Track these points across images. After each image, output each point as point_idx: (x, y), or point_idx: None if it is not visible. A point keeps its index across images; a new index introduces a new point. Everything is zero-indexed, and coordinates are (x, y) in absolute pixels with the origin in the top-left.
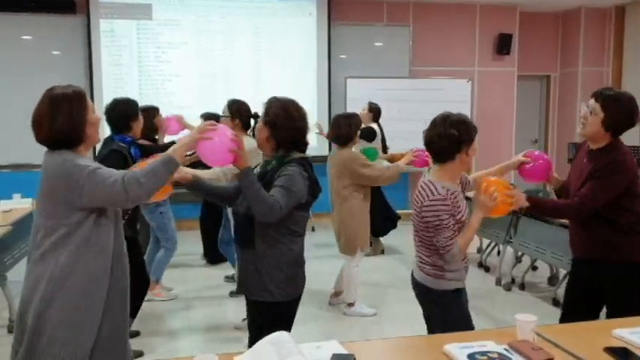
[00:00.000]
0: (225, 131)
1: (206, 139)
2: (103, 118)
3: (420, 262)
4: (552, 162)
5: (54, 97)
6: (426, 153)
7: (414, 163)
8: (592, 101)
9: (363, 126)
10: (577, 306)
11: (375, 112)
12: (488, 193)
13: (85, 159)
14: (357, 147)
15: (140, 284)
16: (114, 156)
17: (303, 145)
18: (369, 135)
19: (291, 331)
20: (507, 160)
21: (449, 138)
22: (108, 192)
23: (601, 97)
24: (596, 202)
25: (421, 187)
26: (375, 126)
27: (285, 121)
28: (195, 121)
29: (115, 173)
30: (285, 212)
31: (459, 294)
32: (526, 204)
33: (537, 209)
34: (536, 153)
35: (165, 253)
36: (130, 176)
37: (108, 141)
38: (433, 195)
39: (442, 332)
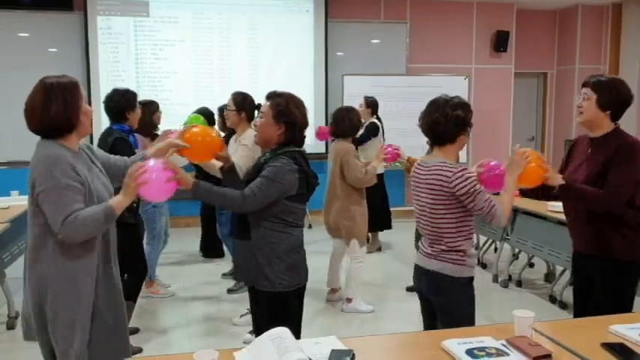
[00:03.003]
0: (157, 166)
1: (143, 183)
2: (101, 111)
3: (437, 251)
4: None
5: (47, 85)
6: (394, 147)
7: (387, 160)
8: (583, 89)
9: (362, 121)
10: (584, 300)
11: (372, 106)
12: (519, 153)
13: (66, 167)
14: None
15: (139, 269)
16: (121, 143)
17: (301, 140)
18: (374, 130)
19: (301, 321)
20: (501, 158)
21: (455, 119)
22: (50, 217)
23: (590, 81)
24: (628, 190)
25: (437, 169)
26: (375, 120)
27: (302, 122)
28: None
29: (68, 208)
30: (263, 200)
31: (472, 285)
32: (560, 182)
33: (570, 192)
34: (492, 164)
35: (152, 250)
36: (72, 220)
37: (109, 131)
38: (456, 168)
39: (452, 322)
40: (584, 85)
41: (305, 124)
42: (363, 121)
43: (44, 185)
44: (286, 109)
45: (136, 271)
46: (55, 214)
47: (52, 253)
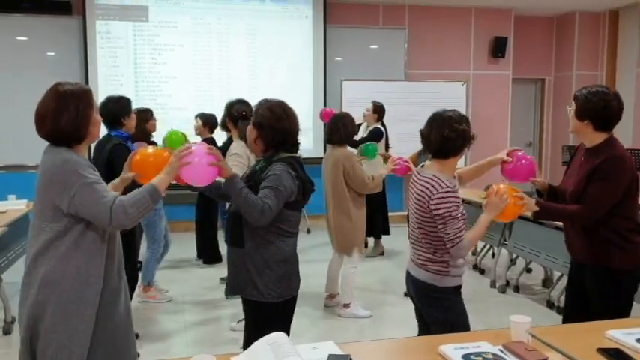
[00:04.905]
0: (200, 150)
1: (186, 165)
2: None
3: (422, 260)
4: (536, 163)
5: (61, 93)
6: (405, 160)
7: (395, 172)
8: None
9: (365, 125)
10: (574, 307)
11: (379, 111)
12: (498, 195)
13: (86, 166)
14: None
15: (132, 276)
16: (119, 150)
17: (292, 145)
18: (377, 136)
19: (289, 332)
20: (499, 164)
21: (463, 134)
22: (95, 211)
23: (575, 94)
24: (605, 204)
25: (425, 181)
26: (380, 126)
27: (271, 122)
28: (190, 122)
29: (108, 195)
30: (275, 213)
31: (460, 292)
32: (535, 208)
33: (547, 214)
34: (520, 153)
35: (152, 255)
36: (118, 204)
37: (107, 138)
38: (442, 188)
39: (443, 331)
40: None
41: (278, 127)
42: (367, 125)
43: (75, 187)
44: (256, 113)
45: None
46: (99, 207)
47: (61, 258)
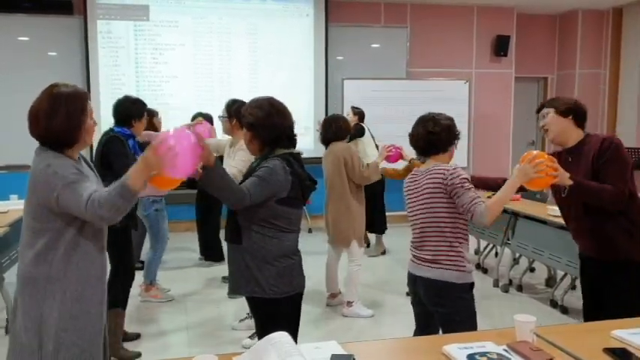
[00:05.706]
0: (182, 134)
1: (172, 152)
2: (101, 118)
3: (436, 257)
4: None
5: (54, 95)
6: (397, 147)
7: (388, 158)
8: (541, 112)
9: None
10: (591, 306)
11: (359, 115)
12: (533, 162)
13: (68, 167)
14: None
15: (130, 273)
16: (113, 142)
17: (287, 140)
18: (359, 132)
19: (297, 331)
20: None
21: (447, 128)
22: (78, 210)
23: (545, 102)
24: (625, 179)
25: (431, 171)
26: (362, 124)
27: (261, 120)
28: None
29: (85, 193)
30: (255, 199)
31: (472, 291)
32: (569, 182)
33: (581, 190)
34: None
35: (155, 254)
36: (91, 203)
37: (107, 132)
38: (451, 167)
39: (454, 330)
40: (540, 109)
41: (269, 124)
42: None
43: (57, 190)
44: (245, 115)
45: (125, 277)
46: (78, 204)
47: (62, 259)
